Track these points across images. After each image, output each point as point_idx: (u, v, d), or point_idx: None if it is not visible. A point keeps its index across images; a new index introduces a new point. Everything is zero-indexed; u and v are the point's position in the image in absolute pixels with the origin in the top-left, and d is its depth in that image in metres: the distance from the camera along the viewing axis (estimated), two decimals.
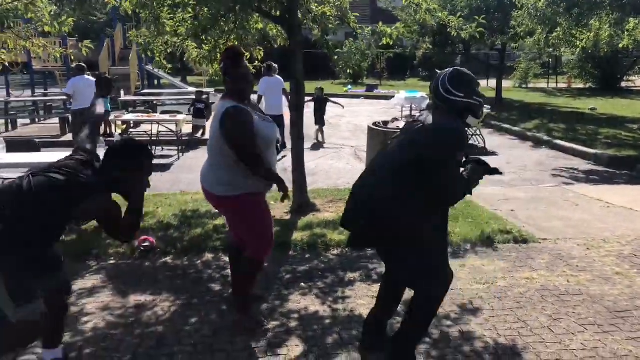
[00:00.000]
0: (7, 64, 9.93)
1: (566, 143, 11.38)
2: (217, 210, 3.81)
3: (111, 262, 4.95)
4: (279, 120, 9.87)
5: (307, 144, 11.30)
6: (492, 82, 22.70)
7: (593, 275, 4.61)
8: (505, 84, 21.91)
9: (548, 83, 27.84)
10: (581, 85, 25.90)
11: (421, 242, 2.94)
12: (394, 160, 2.97)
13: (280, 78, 10.56)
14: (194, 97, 13.09)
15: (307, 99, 12.29)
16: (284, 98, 10.42)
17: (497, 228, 5.69)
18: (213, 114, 3.71)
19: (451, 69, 3.08)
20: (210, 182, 3.56)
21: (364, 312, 3.91)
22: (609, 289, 4.32)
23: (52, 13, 6.12)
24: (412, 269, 2.99)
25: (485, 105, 8.94)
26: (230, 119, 3.36)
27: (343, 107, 13.07)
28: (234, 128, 3.35)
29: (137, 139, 3.24)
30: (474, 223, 5.85)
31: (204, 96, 12.80)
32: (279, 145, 9.63)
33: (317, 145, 11.81)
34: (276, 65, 10.81)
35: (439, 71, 3.19)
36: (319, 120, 12.36)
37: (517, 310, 3.95)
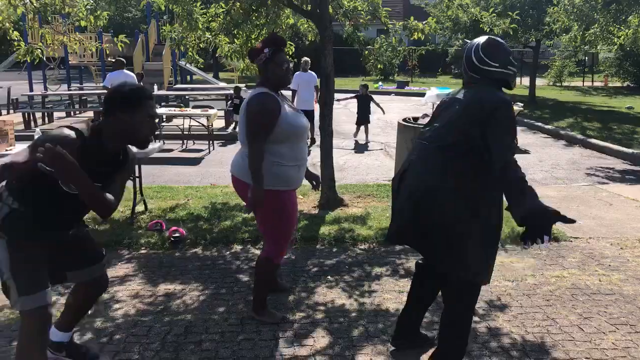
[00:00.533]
0: (44, 58, 10.21)
1: (601, 142, 11.14)
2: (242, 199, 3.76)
3: (142, 251, 5.04)
4: (309, 115, 10.13)
5: (338, 140, 11.34)
6: (525, 80, 22.37)
7: (626, 275, 4.51)
8: (539, 82, 21.55)
9: (583, 81, 27.28)
10: (618, 84, 25.33)
11: (474, 234, 2.77)
12: (440, 146, 2.81)
13: (314, 73, 10.60)
14: (230, 92, 13.24)
15: (349, 95, 12.28)
16: (315, 94, 10.57)
17: None
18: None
19: (484, 37, 2.96)
20: (241, 170, 3.50)
21: (391, 306, 3.91)
22: None
23: (88, 7, 6.24)
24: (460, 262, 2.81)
25: (517, 103, 8.78)
26: (255, 103, 3.33)
27: (384, 112, 12.13)
28: (254, 111, 3.32)
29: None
30: (505, 220, 5.76)
31: (241, 92, 12.93)
32: (308, 140, 9.83)
33: (353, 143, 11.68)
34: (309, 60, 11.04)
35: (468, 41, 3.07)
36: (363, 118, 11.66)
37: (546, 308, 3.90)
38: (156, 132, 2.84)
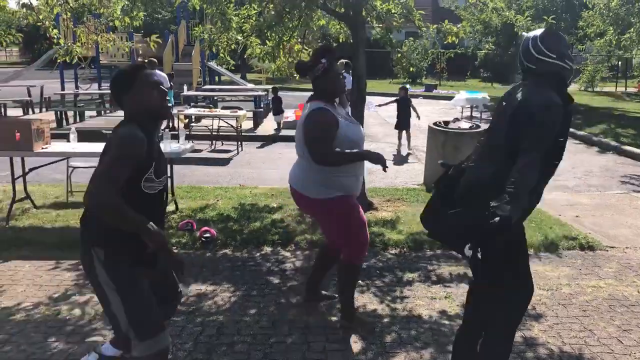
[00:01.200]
0: (77, 58, 10.36)
1: (635, 149, 10.91)
2: (305, 213, 3.69)
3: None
4: None
5: (366, 143, 11.29)
6: None
7: None
8: (571, 86, 21.12)
9: (616, 87, 26.73)
10: None
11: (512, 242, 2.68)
12: (491, 147, 2.75)
13: (350, 76, 10.52)
14: (259, 93, 13.32)
15: (389, 100, 12.11)
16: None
17: (562, 234, 5.51)
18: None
19: (542, 29, 2.84)
20: (303, 183, 3.45)
21: (423, 312, 3.86)
22: None
23: (125, 7, 6.32)
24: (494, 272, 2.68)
25: None
26: (313, 119, 3.30)
27: (419, 118, 11.31)
28: (314, 127, 3.28)
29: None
30: (537, 228, 5.68)
31: (279, 92, 13.00)
32: None
33: (383, 146, 11.61)
34: (348, 61, 10.93)
35: (525, 33, 2.96)
36: (404, 123, 11.01)
37: (582, 318, 3.81)
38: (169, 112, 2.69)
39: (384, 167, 3.25)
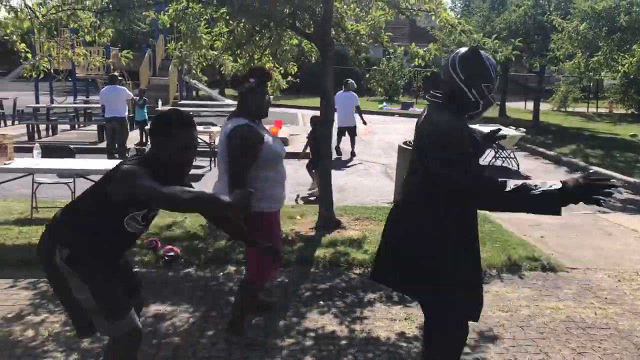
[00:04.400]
0: (51, 71, 10.23)
1: (603, 170, 11.10)
2: None
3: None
4: (352, 131, 12.02)
5: (338, 160, 11.34)
6: (530, 105, 22.41)
7: (623, 309, 4.46)
8: (543, 107, 21.55)
9: (588, 107, 27.28)
10: (623, 111, 25.30)
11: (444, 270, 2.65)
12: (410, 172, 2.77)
13: (354, 94, 12.04)
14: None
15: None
16: (356, 114, 11.97)
17: (525, 254, 5.57)
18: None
19: (469, 48, 2.64)
20: None
21: (382, 334, 3.86)
22: (639, 325, 4.16)
23: (92, 24, 6.29)
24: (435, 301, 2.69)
25: (519, 128, 8.68)
26: (239, 135, 3.35)
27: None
28: (239, 144, 3.34)
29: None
30: (501, 248, 5.74)
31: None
32: (350, 153, 10.00)
33: (346, 162, 11.73)
34: (352, 81, 12.15)
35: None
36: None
37: (539, 340, 3.85)
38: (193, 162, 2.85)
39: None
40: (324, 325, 3.99)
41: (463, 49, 2.65)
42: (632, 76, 13.69)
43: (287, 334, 3.84)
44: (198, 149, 2.92)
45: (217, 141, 11.72)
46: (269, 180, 3.47)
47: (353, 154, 12.08)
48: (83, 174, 6.19)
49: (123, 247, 2.85)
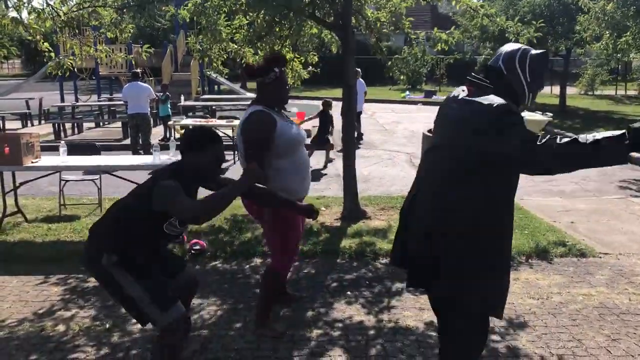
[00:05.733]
0: (75, 69, 10.32)
1: (634, 153, 10.81)
2: (255, 220, 3.91)
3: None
4: (359, 115, 11.96)
5: (363, 150, 11.28)
6: (556, 89, 22.00)
7: None
8: (570, 90, 21.13)
9: (616, 90, 26.66)
10: None
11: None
12: None
13: (362, 81, 12.26)
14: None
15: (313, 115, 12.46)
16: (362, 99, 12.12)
17: (555, 240, 5.47)
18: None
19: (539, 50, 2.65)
20: None
21: (410, 323, 3.82)
22: None
23: (113, 20, 6.32)
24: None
25: (546, 113, 8.56)
26: (251, 119, 3.36)
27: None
28: (251, 126, 3.36)
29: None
30: (530, 235, 5.64)
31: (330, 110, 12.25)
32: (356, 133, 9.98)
33: (380, 153, 11.64)
34: (359, 70, 11.79)
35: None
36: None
37: (572, 328, 3.76)
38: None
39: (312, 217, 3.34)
40: (351, 315, 3.96)
41: (533, 50, 2.62)
42: None
43: (315, 325, 3.82)
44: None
45: None
46: (280, 170, 3.40)
47: (360, 137, 12.53)
48: (108, 170, 6.24)
49: (165, 246, 3.17)
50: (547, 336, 3.64)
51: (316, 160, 10.02)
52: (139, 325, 3.78)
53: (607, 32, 12.36)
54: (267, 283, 3.66)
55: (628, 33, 11.63)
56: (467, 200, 2.48)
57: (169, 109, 12.89)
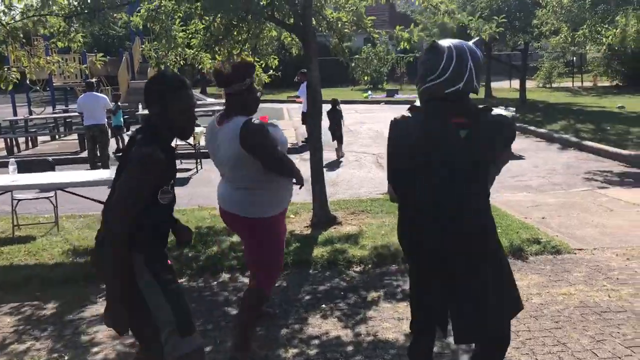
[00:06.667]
0: (28, 81, 9.85)
1: (596, 144, 10.96)
2: (240, 235, 3.71)
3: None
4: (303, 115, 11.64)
5: (328, 153, 11.10)
6: (515, 83, 22.30)
7: (635, 288, 4.27)
8: (529, 84, 21.42)
9: (573, 82, 27.24)
10: (607, 83, 25.29)
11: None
12: None
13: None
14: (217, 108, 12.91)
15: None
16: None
17: (528, 237, 5.39)
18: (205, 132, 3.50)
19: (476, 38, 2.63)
20: (242, 205, 3.30)
21: (390, 336, 3.65)
22: None
23: (61, 29, 5.99)
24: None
25: (509, 108, 8.51)
26: (252, 130, 3.20)
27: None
28: (258, 138, 3.21)
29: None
30: (502, 233, 5.54)
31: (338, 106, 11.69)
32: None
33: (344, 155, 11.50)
34: (305, 70, 11.66)
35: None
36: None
37: (555, 330, 3.65)
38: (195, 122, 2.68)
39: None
40: (327, 331, 3.76)
41: (468, 42, 2.56)
42: (615, 48, 13.56)
43: (290, 343, 3.61)
44: (182, 152, 2.75)
45: (202, 142, 11.49)
46: (272, 178, 3.30)
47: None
48: (63, 187, 5.90)
49: (167, 230, 2.74)
50: (532, 341, 3.52)
51: None
52: (100, 355, 3.53)
53: (565, 25, 12.49)
54: (252, 303, 3.43)
55: (584, 25, 11.76)
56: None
57: (121, 120, 12.44)
